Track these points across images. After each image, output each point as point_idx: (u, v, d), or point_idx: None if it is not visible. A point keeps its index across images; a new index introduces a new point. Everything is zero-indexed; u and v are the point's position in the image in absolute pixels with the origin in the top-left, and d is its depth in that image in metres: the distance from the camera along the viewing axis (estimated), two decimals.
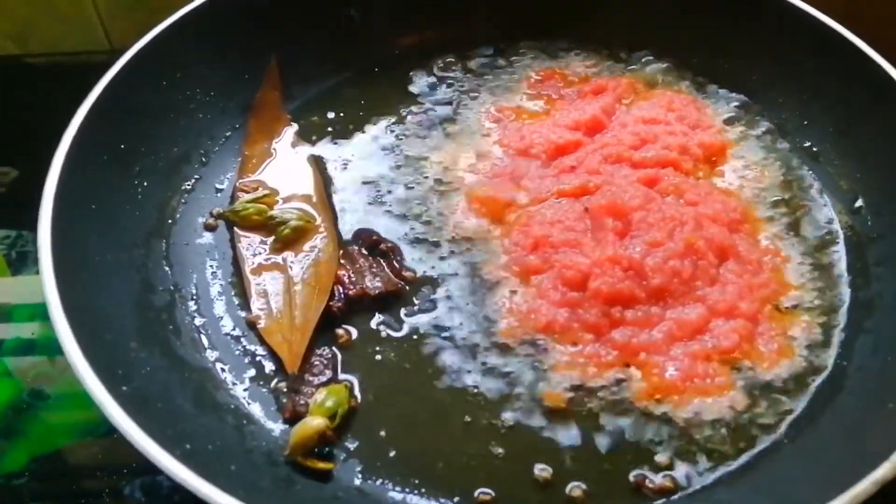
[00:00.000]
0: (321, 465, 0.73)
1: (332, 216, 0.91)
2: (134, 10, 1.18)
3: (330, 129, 1.01)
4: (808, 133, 0.98)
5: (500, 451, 0.75)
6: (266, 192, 0.92)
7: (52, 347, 0.90)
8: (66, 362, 0.85)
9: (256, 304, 0.83)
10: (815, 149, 0.98)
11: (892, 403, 0.72)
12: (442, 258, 0.88)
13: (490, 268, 0.87)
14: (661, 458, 0.74)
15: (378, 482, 0.73)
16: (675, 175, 0.92)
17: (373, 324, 0.83)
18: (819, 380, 0.79)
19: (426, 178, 0.95)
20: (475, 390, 0.78)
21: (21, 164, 1.08)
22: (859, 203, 0.91)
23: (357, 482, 0.73)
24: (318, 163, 0.97)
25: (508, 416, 0.77)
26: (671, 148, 0.95)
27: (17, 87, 1.20)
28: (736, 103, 1.03)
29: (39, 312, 0.93)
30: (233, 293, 0.86)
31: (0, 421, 0.85)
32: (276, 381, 0.79)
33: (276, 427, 0.76)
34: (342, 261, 0.87)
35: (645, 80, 1.06)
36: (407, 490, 0.73)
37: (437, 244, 0.89)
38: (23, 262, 0.98)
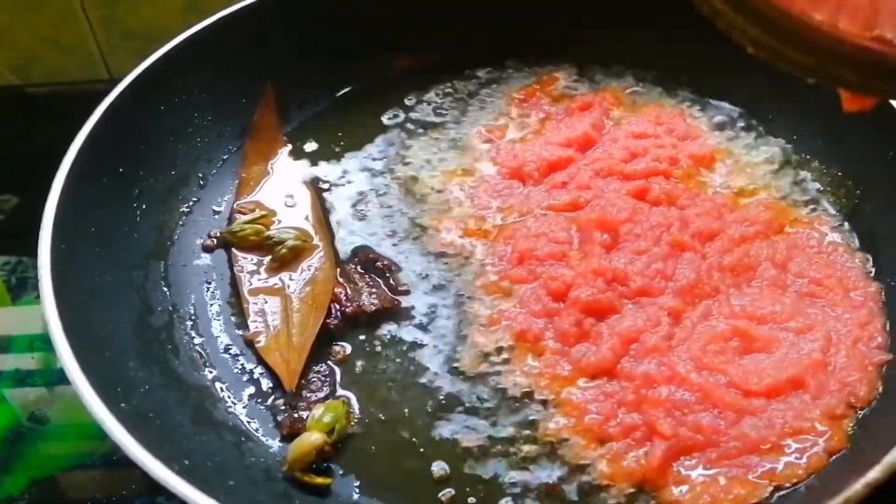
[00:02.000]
0: (319, 480, 0.73)
1: (329, 235, 0.92)
2: (133, 40, 1.20)
3: (325, 150, 1.02)
4: (799, 144, 0.99)
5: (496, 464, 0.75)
6: (263, 212, 0.93)
7: (51, 377, 0.91)
8: (64, 391, 0.88)
9: (254, 323, 0.84)
10: (807, 156, 0.98)
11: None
12: (432, 274, 0.89)
13: (476, 281, 0.88)
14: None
15: (376, 497, 0.73)
16: (665, 182, 0.94)
17: (369, 340, 0.84)
18: None
19: (418, 196, 0.97)
20: (463, 404, 0.79)
21: (21, 191, 1.09)
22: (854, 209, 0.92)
23: (355, 497, 0.73)
24: (313, 183, 0.98)
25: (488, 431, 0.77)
26: (661, 160, 0.96)
27: (18, 117, 1.22)
28: (724, 115, 1.04)
29: (38, 343, 0.94)
30: (230, 313, 0.86)
31: (1, 446, 0.86)
32: (273, 398, 0.80)
33: (275, 443, 0.76)
34: (339, 279, 0.88)
35: (632, 95, 1.08)
36: None
37: (427, 260, 0.90)
38: (23, 287, 0.99)
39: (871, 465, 0.63)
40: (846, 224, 0.91)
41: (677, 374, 0.76)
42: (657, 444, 0.72)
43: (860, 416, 0.74)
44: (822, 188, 0.95)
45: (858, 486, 0.62)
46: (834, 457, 0.72)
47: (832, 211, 0.92)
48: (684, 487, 0.71)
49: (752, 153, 1.00)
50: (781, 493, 0.70)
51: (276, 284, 0.87)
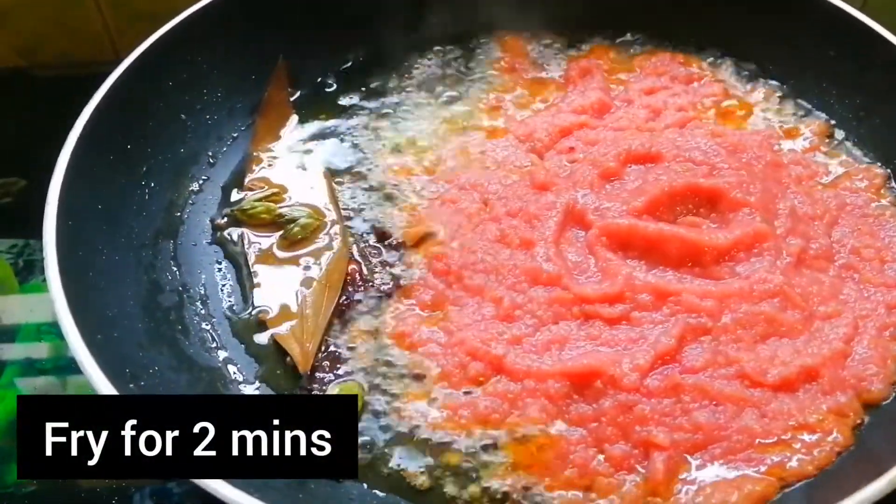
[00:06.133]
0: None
1: (341, 212, 0.90)
2: (141, 21, 1.17)
3: (333, 123, 1.00)
4: (830, 117, 0.97)
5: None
6: (274, 189, 0.91)
7: (60, 363, 0.89)
8: (75, 380, 0.86)
9: (266, 303, 0.82)
10: (838, 128, 0.96)
11: None
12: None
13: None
14: None
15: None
16: (705, 123, 0.94)
17: (385, 318, 0.81)
18: None
19: (428, 168, 0.94)
20: None
21: (29, 174, 1.07)
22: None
23: (365, 486, 0.71)
24: (323, 158, 0.96)
25: None
26: (686, 108, 0.96)
27: (25, 99, 1.19)
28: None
29: (46, 329, 0.92)
30: (242, 293, 0.84)
31: (7, 432, 0.84)
32: (287, 380, 0.78)
33: None
34: (353, 256, 0.86)
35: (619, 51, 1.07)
36: None
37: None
38: (30, 270, 0.98)
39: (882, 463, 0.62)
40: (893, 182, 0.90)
41: (656, 389, 0.73)
42: (656, 456, 0.69)
43: (870, 413, 0.73)
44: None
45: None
46: (842, 454, 0.70)
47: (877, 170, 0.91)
48: (693, 489, 0.69)
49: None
50: (790, 489, 0.69)
51: (288, 262, 0.85)
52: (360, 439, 0.73)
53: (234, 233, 0.89)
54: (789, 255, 0.80)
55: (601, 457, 0.71)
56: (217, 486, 0.60)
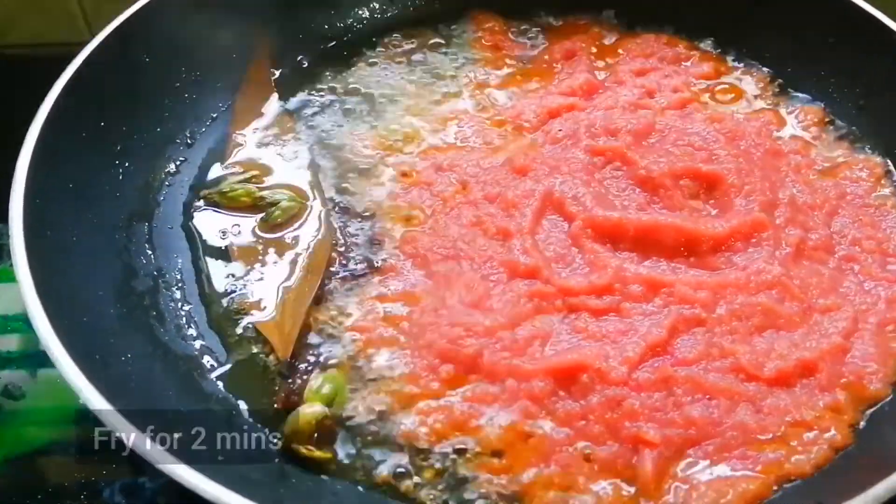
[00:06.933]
0: (319, 454, 0.68)
1: (323, 193, 0.87)
2: (117, 2, 1.15)
3: (316, 103, 0.98)
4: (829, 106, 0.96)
5: None
6: (254, 171, 0.88)
7: (31, 361, 0.85)
8: (47, 374, 0.83)
9: (245, 289, 0.80)
10: (837, 117, 0.95)
11: None
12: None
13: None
14: None
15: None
16: (704, 107, 0.94)
17: (365, 303, 0.79)
18: None
19: (408, 148, 0.93)
20: None
21: None
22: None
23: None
24: (305, 138, 0.93)
25: None
26: (680, 89, 0.95)
27: None
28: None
29: (16, 325, 0.88)
30: (220, 278, 0.81)
31: None
32: (266, 367, 0.75)
33: (268, 416, 0.72)
34: (337, 240, 0.83)
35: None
36: None
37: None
38: None
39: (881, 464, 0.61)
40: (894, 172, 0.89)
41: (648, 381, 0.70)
42: (645, 453, 0.67)
43: (869, 411, 0.71)
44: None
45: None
46: (840, 454, 0.68)
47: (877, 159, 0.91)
48: (685, 487, 0.66)
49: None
50: (787, 487, 0.67)
51: (267, 246, 0.83)
52: (340, 438, 0.70)
53: (213, 216, 0.86)
54: (788, 245, 0.79)
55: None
56: (197, 481, 0.58)
